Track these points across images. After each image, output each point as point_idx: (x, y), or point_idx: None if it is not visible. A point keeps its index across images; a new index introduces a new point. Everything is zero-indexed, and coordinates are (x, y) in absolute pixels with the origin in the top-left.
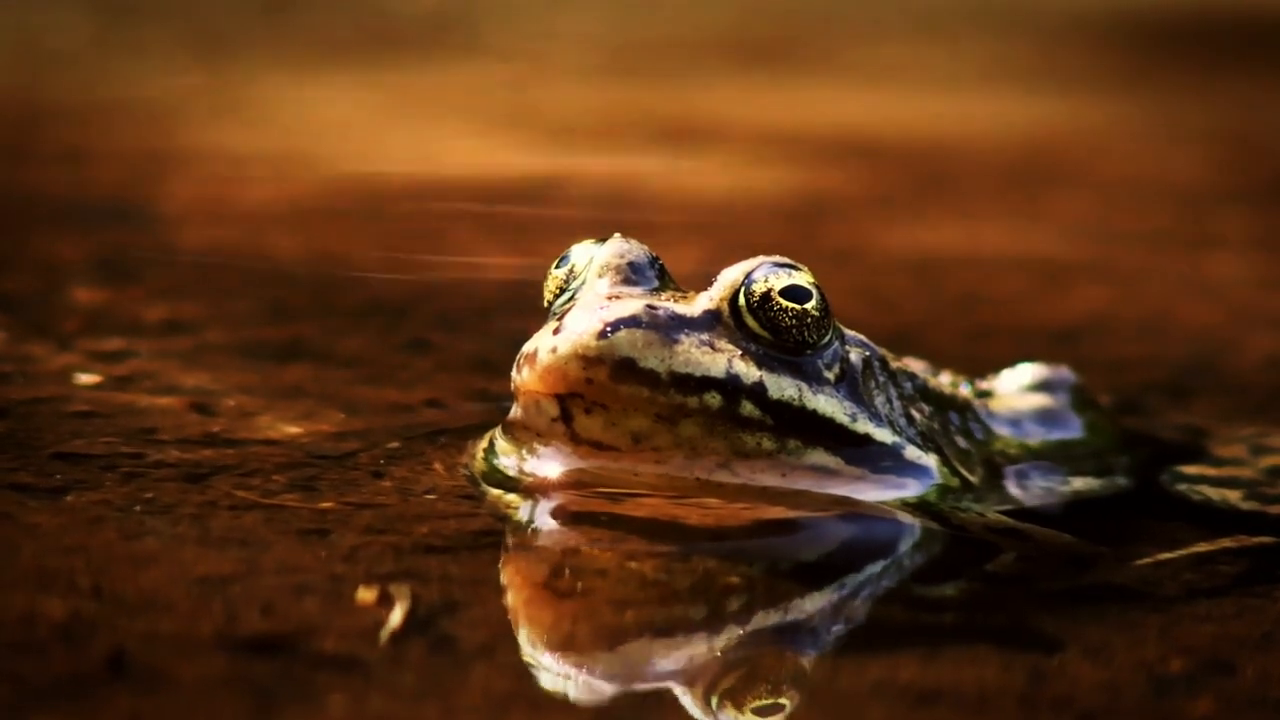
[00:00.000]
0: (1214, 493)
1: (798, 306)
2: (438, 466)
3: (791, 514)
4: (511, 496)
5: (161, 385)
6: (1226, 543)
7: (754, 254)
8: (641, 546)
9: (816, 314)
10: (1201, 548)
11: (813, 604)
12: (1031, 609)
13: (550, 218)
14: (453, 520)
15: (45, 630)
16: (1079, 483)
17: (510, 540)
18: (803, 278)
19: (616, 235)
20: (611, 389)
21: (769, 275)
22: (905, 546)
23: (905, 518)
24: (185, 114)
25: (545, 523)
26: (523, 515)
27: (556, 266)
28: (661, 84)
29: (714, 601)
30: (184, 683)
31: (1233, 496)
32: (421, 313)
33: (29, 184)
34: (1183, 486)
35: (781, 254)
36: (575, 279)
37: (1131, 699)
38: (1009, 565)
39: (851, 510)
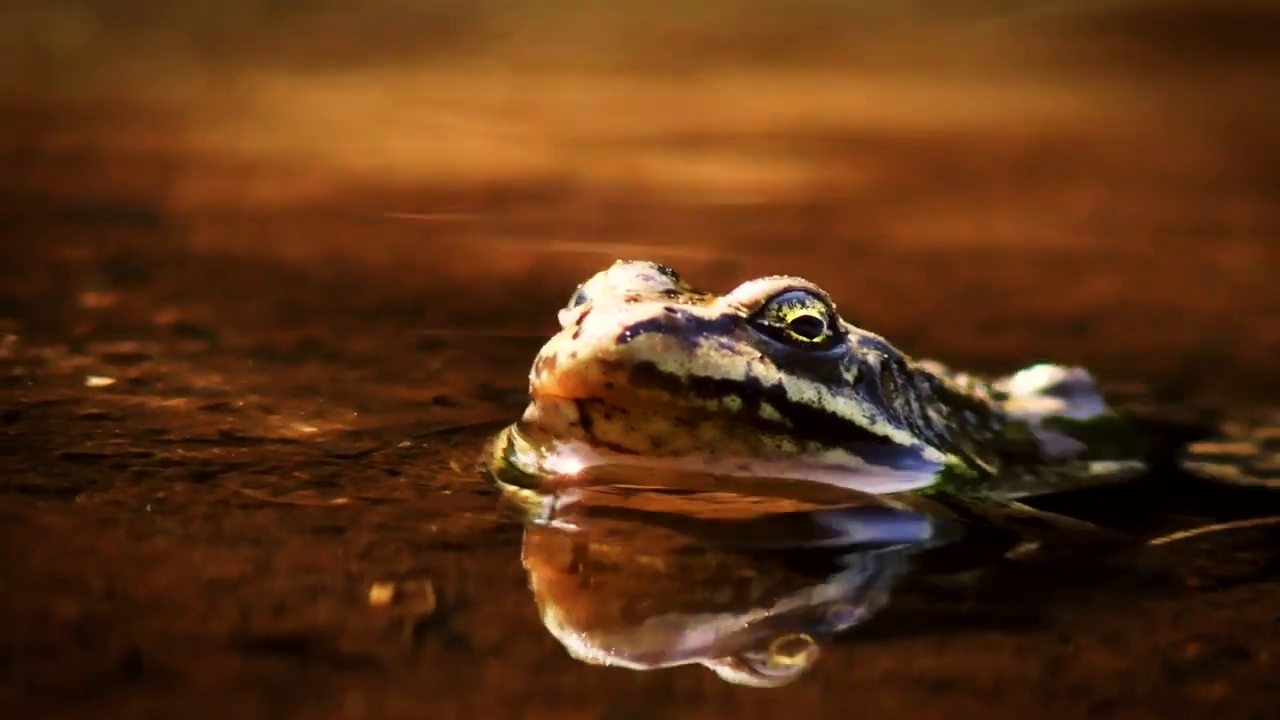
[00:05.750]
0: (1228, 479)
1: (807, 340)
2: (452, 464)
3: (809, 506)
4: (527, 493)
5: (173, 387)
6: (1242, 525)
7: (761, 249)
8: (656, 541)
9: (826, 338)
10: (1216, 527)
11: (828, 594)
12: (1048, 597)
13: (559, 215)
14: (467, 517)
15: (59, 632)
16: (1098, 468)
17: (525, 537)
18: (816, 308)
19: (619, 261)
20: (631, 393)
21: (783, 306)
22: (923, 537)
23: (924, 508)
24: (193, 115)
25: (560, 519)
26: (538, 512)
27: (575, 302)
28: (669, 79)
29: (728, 595)
30: (199, 683)
31: (1246, 481)
32: (433, 312)
33: (37, 186)
34: (1198, 474)
35: (790, 246)
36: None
37: (1146, 686)
38: (1030, 554)
39: (868, 502)
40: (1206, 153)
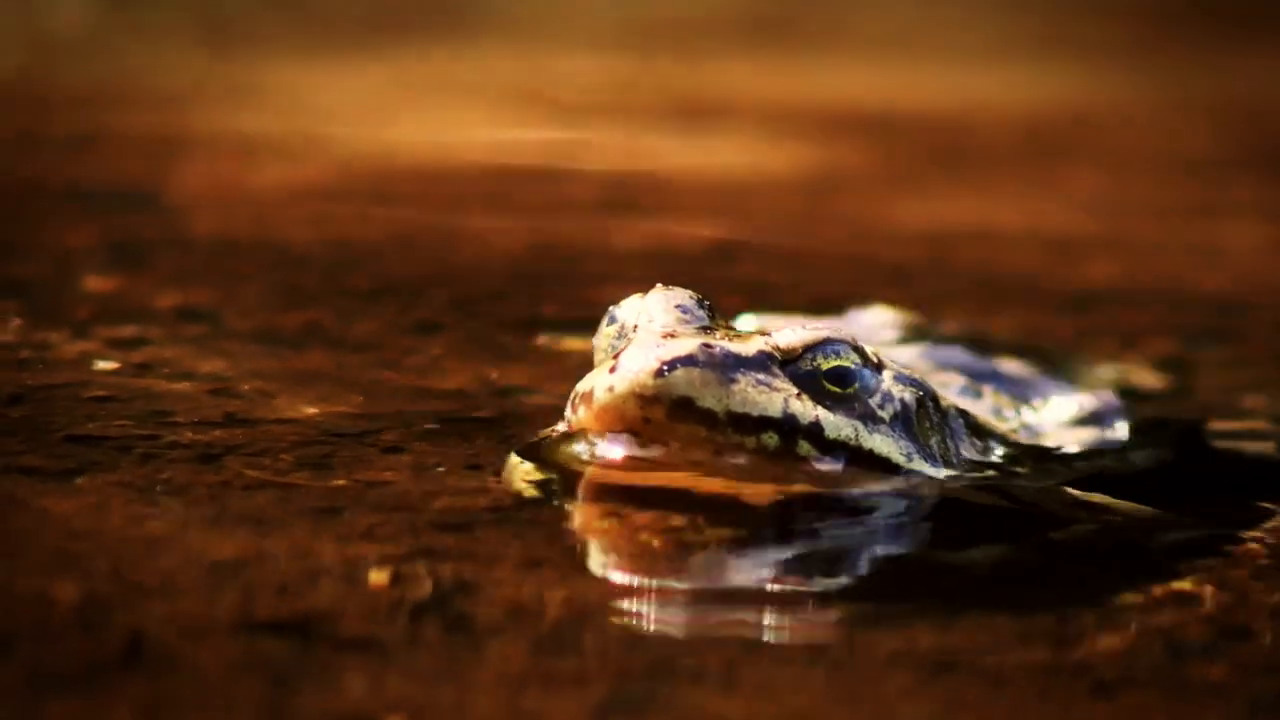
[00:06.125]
0: (1267, 454)
1: (839, 390)
2: (455, 446)
3: (832, 490)
4: (531, 473)
5: (175, 370)
6: (1255, 504)
7: (763, 230)
8: (662, 521)
9: (855, 389)
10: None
11: (836, 575)
12: (1054, 577)
13: (561, 196)
14: (468, 499)
15: (60, 615)
16: (1136, 458)
17: (526, 518)
18: (850, 359)
19: (659, 285)
20: (669, 427)
21: (817, 356)
22: (942, 520)
23: (958, 495)
24: (195, 99)
25: (564, 500)
26: (541, 493)
27: (607, 324)
28: (672, 60)
29: (733, 574)
30: (201, 666)
31: (1270, 460)
32: (435, 295)
33: (39, 171)
34: (1231, 455)
35: (792, 226)
36: (626, 329)
37: (1148, 666)
38: (1053, 537)
39: (898, 488)
40: (1208, 135)
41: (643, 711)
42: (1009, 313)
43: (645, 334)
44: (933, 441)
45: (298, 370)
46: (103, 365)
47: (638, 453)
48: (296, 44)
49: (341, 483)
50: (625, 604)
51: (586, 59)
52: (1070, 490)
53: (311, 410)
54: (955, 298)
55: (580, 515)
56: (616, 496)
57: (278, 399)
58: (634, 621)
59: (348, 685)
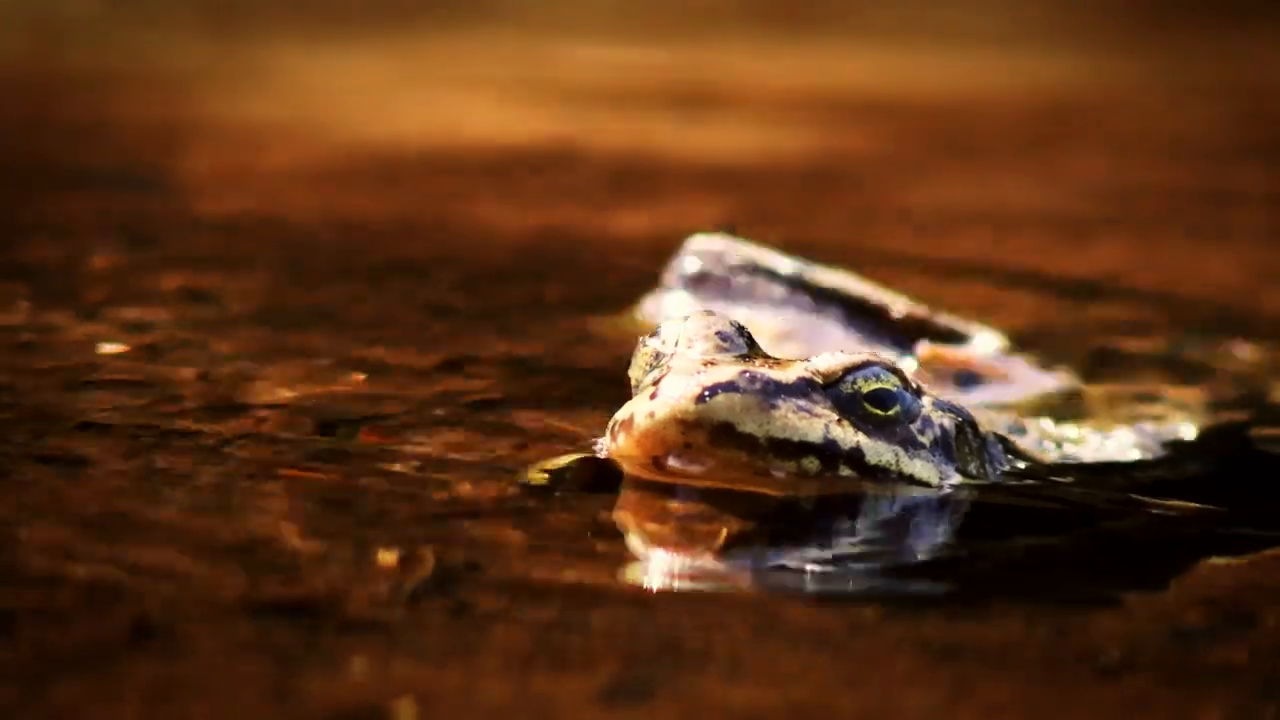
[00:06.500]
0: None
1: (881, 413)
2: (464, 430)
3: (873, 490)
4: (546, 460)
5: (183, 353)
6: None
7: (768, 216)
8: (671, 508)
9: (897, 412)
10: None
11: (844, 563)
12: (1063, 565)
13: (565, 180)
14: (476, 483)
15: (67, 597)
16: (1189, 468)
17: (534, 503)
18: (890, 382)
19: (699, 309)
20: (710, 453)
21: (858, 379)
22: (963, 515)
23: (1001, 497)
24: (202, 83)
25: (574, 486)
26: (549, 480)
27: (643, 348)
28: (677, 45)
29: (740, 560)
30: (206, 648)
31: None
32: (441, 278)
33: (46, 154)
34: (1262, 448)
35: (797, 212)
36: (664, 355)
37: (1152, 651)
38: (1090, 531)
39: (930, 490)
40: (1214, 119)
41: (649, 695)
42: (1014, 299)
43: (684, 361)
44: (971, 466)
45: (305, 352)
46: (111, 348)
47: (676, 466)
48: (302, 29)
49: (350, 467)
50: (632, 588)
51: (591, 44)
52: (1112, 493)
53: (320, 393)
54: (961, 283)
55: (590, 501)
56: (628, 484)
57: (285, 382)
58: (641, 606)
59: (354, 668)
